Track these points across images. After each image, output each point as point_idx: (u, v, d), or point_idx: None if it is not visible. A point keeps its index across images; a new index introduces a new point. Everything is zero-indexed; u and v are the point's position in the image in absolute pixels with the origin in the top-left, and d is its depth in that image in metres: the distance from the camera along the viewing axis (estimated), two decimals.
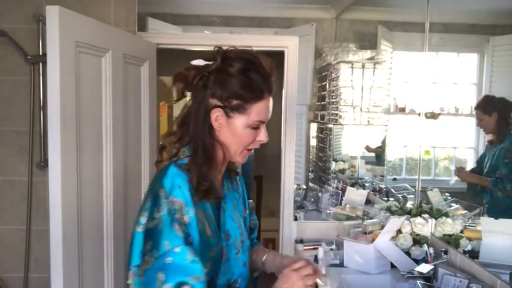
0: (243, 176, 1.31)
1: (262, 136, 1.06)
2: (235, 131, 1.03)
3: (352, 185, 2.72)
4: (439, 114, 2.19)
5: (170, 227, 0.94)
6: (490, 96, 1.86)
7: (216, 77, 1.01)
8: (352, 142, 3.00)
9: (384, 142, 2.79)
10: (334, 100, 2.88)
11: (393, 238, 1.95)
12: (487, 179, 1.83)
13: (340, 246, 2.10)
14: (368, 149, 2.94)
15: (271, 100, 1.05)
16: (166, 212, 0.95)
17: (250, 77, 1.00)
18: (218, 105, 1.01)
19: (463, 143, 2.18)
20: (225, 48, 1.05)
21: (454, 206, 2.04)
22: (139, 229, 0.95)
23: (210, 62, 1.02)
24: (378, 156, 2.88)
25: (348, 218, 2.40)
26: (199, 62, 1.04)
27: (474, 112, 1.95)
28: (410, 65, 2.55)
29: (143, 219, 0.95)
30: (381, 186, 2.69)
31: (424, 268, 1.70)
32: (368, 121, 2.80)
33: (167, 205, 0.96)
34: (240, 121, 1.02)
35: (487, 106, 1.83)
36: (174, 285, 0.90)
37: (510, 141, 1.75)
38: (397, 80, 2.67)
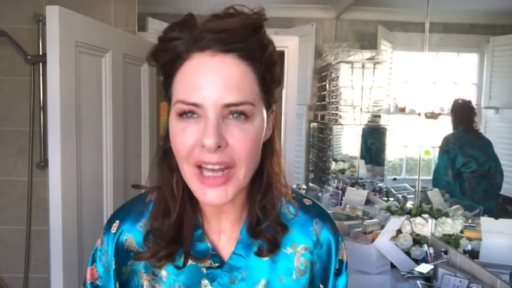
0: None
1: (204, 131, 0.57)
2: (170, 133, 0.63)
3: (352, 185, 2.72)
4: (439, 114, 2.19)
5: (88, 264, 0.76)
6: (460, 99, 2.12)
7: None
8: (352, 142, 3.00)
9: (384, 142, 2.79)
10: (334, 100, 2.88)
11: (393, 238, 1.95)
12: None
13: None
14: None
15: (211, 60, 0.57)
16: (93, 250, 0.76)
17: (165, 33, 0.61)
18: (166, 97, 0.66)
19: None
20: None
21: (454, 206, 2.04)
22: None
23: None
24: None
25: (348, 218, 2.40)
26: None
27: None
28: (410, 65, 2.55)
29: None
30: (380, 186, 2.69)
31: (424, 268, 1.70)
32: (368, 121, 2.80)
33: (98, 240, 0.75)
34: (171, 113, 0.62)
35: (452, 105, 2.10)
36: None
37: (454, 133, 2.08)
38: (397, 80, 2.67)
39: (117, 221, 0.72)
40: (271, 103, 0.65)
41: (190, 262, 0.67)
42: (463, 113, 2.06)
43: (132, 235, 0.70)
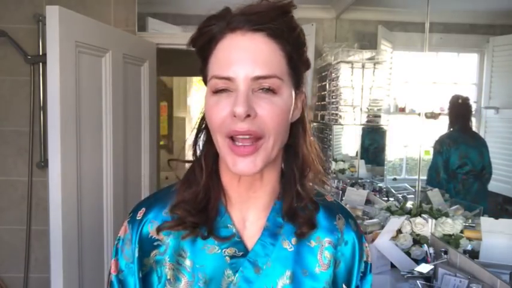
0: None
1: (235, 105, 0.60)
2: (205, 109, 0.66)
3: (352, 185, 2.72)
4: (439, 114, 2.19)
5: (112, 256, 0.74)
6: (457, 95, 2.14)
7: None
8: (352, 142, 3.00)
9: (384, 142, 2.79)
10: (334, 100, 2.88)
11: (393, 238, 1.94)
12: None
13: None
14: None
15: (242, 39, 0.62)
16: (116, 241, 0.74)
17: (203, 22, 0.65)
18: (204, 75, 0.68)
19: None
20: None
21: (454, 206, 2.04)
22: None
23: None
24: None
25: None
26: None
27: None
28: (410, 65, 2.55)
29: None
30: (380, 186, 2.69)
31: (424, 268, 1.70)
32: (368, 121, 2.80)
33: (121, 230, 0.73)
34: (206, 91, 0.66)
35: (449, 103, 2.12)
36: None
37: (449, 132, 2.09)
38: (397, 80, 2.67)
39: (144, 209, 0.72)
40: (300, 83, 0.68)
41: (214, 245, 0.68)
42: (461, 111, 2.07)
43: (158, 222, 0.69)
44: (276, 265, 0.68)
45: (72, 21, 1.56)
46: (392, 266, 1.91)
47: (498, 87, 1.92)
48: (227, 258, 0.67)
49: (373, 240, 1.92)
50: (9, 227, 2.40)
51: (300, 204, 0.69)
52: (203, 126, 0.71)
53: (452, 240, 1.82)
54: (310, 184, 0.71)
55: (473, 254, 1.67)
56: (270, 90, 0.61)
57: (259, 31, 0.61)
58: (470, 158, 1.99)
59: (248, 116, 0.59)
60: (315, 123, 3.22)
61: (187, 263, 0.68)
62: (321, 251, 0.71)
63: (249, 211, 0.70)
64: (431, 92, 2.20)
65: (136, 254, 0.69)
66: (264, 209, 0.70)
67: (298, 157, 0.70)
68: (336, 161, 2.94)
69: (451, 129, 2.12)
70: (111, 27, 2.11)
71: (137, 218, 0.71)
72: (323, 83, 3.06)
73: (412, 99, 2.44)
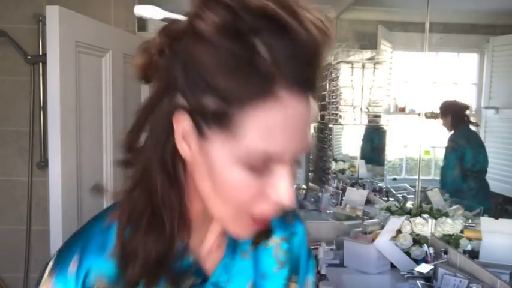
0: None
1: (281, 190, 0.47)
2: (213, 169, 0.48)
3: (352, 185, 2.72)
4: (439, 114, 2.19)
5: None
6: (448, 101, 2.18)
7: (185, 45, 0.47)
8: (352, 142, 3.00)
9: (384, 142, 2.79)
10: (334, 100, 2.88)
11: (393, 238, 1.94)
12: None
13: (340, 246, 2.10)
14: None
15: (298, 106, 0.45)
16: None
17: (243, 44, 0.43)
18: (183, 106, 0.48)
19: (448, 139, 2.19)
20: None
21: (454, 206, 2.04)
22: None
23: (180, 16, 0.50)
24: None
25: (348, 218, 2.40)
26: (166, 15, 0.52)
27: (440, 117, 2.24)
28: (410, 65, 2.55)
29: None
30: (380, 186, 2.69)
31: (424, 268, 1.70)
32: (368, 121, 2.80)
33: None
34: (222, 147, 0.46)
35: (445, 109, 2.14)
36: None
37: (459, 132, 2.12)
38: (397, 80, 2.67)
39: (76, 256, 0.55)
40: None
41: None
42: (460, 112, 2.09)
43: (102, 269, 0.54)
44: (237, 280, 0.62)
45: (72, 21, 1.56)
46: (392, 266, 1.91)
47: (498, 87, 1.92)
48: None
49: (373, 240, 1.92)
50: (9, 227, 2.40)
51: None
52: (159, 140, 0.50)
53: (452, 240, 1.82)
54: None
55: (473, 254, 1.67)
56: (299, 161, 0.51)
57: (309, 91, 0.47)
58: (479, 157, 1.99)
59: None
60: (315, 123, 3.22)
61: None
62: (277, 250, 0.67)
63: (208, 233, 0.61)
64: (431, 92, 2.20)
65: None
66: (222, 228, 0.61)
67: None
68: (336, 161, 2.94)
69: (455, 129, 2.14)
70: (111, 27, 2.11)
71: (69, 273, 0.54)
72: (323, 83, 3.06)
73: (412, 99, 2.44)
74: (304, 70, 0.45)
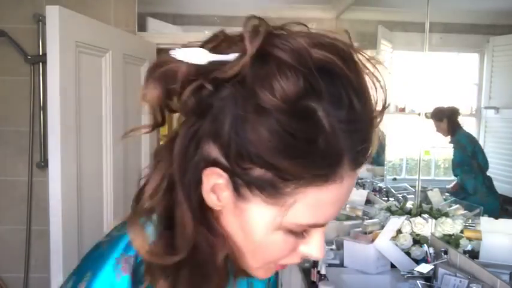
0: None
1: (315, 250, 0.48)
2: (249, 227, 0.46)
3: None
4: None
5: None
6: (439, 107, 2.18)
7: (233, 96, 0.42)
8: None
9: (384, 142, 2.79)
10: None
11: (393, 238, 1.94)
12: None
13: (340, 246, 2.10)
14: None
15: (351, 181, 0.44)
16: None
17: (310, 124, 0.40)
18: (220, 163, 0.44)
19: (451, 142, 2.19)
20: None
21: (454, 206, 2.04)
22: None
23: (230, 56, 0.42)
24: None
25: (348, 218, 2.40)
26: (213, 58, 0.43)
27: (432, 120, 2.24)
28: (410, 65, 2.55)
29: None
30: (380, 186, 2.69)
31: (424, 268, 1.70)
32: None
33: None
34: (262, 212, 0.44)
35: (438, 115, 2.16)
36: None
37: (459, 134, 2.11)
38: (397, 80, 2.67)
39: (88, 274, 0.50)
40: None
41: None
42: (454, 116, 2.12)
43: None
44: None
45: (72, 21, 1.56)
46: (392, 266, 1.91)
47: (498, 87, 1.92)
48: None
49: (373, 240, 1.92)
50: (9, 227, 2.40)
51: None
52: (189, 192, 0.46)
53: (452, 240, 1.82)
54: None
55: (473, 254, 1.67)
56: None
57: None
58: (483, 155, 2.00)
59: None
60: None
61: None
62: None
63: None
64: (431, 92, 2.20)
65: None
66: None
67: None
68: None
69: (453, 133, 2.14)
70: (111, 27, 2.11)
71: None
72: None
73: (412, 99, 2.44)
74: (364, 145, 0.42)
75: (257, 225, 0.45)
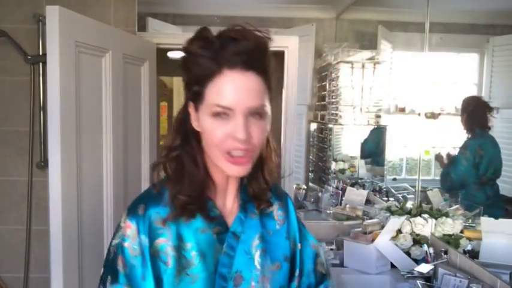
0: None
1: (235, 128, 0.78)
2: (203, 126, 0.82)
3: (352, 185, 2.72)
4: (439, 114, 2.19)
5: (115, 259, 0.84)
6: (469, 96, 2.06)
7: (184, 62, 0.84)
8: (352, 142, 3.00)
9: (384, 142, 2.79)
10: (334, 100, 2.88)
11: (393, 238, 1.95)
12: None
13: (340, 246, 2.10)
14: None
15: (239, 76, 0.78)
16: (118, 240, 0.85)
17: (194, 50, 0.80)
18: (189, 99, 0.86)
19: (463, 143, 2.18)
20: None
21: (454, 206, 2.04)
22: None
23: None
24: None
25: (348, 218, 2.40)
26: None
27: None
28: (410, 65, 2.56)
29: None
30: (380, 186, 2.69)
31: (424, 268, 1.71)
32: (368, 121, 2.80)
33: (120, 231, 0.86)
34: (203, 111, 0.81)
35: (462, 106, 2.05)
36: None
37: (474, 139, 1.99)
38: (397, 80, 2.67)
39: (142, 205, 0.85)
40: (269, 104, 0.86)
41: (204, 227, 0.86)
42: (477, 111, 1.93)
43: (159, 212, 0.84)
44: (249, 232, 0.91)
45: (72, 21, 1.56)
46: (393, 266, 1.91)
47: (498, 87, 1.92)
48: (214, 235, 0.87)
49: (373, 240, 1.92)
50: (9, 227, 2.39)
51: (262, 186, 0.93)
52: (183, 129, 0.88)
53: (452, 240, 1.82)
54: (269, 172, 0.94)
55: (473, 254, 1.67)
56: (259, 116, 0.80)
57: (251, 69, 0.78)
58: (494, 162, 1.87)
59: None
60: (315, 123, 3.22)
61: (188, 245, 0.84)
62: (276, 213, 0.98)
63: (227, 197, 0.92)
64: (431, 92, 2.20)
65: (147, 244, 0.82)
66: (236, 197, 0.93)
67: (262, 155, 0.90)
68: (336, 161, 2.94)
69: (471, 132, 1.99)
70: (111, 27, 2.11)
71: (139, 213, 0.84)
72: (323, 83, 3.06)
73: (412, 99, 2.44)
74: (228, 55, 0.77)
75: (202, 121, 0.81)
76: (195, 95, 0.81)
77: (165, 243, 0.83)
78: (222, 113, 0.78)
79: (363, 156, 2.78)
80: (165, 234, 0.83)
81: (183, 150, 0.87)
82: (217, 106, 0.78)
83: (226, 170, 0.82)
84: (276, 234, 0.95)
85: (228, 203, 0.92)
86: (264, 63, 0.81)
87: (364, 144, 2.75)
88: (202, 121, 0.81)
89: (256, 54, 0.79)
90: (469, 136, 2.00)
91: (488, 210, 1.84)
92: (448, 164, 2.13)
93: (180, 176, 0.86)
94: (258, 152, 0.84)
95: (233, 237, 0.88)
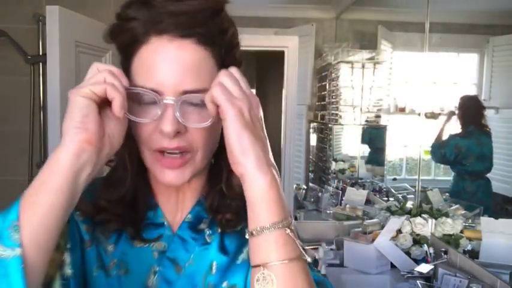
0: None
1: (162, 123, 0.56)
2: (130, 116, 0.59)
3: (352, 185, 2.72)
4: (439, 114, 2.19)
5: None
6: (466, 95, 2.09)
7: None
8: (352, 142, 3.01)
9: (384, 142, 2.80)
10: (334, 100, 2.88)
11: (393, 238, 1.95)
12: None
13: (340, 246, 2.10)
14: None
15: (168, 46, 0.56)
16: None
17: (125, 13, 0.60)
18: None
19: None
20: None
21: (454, 206, 2.05)
22: None
23: None
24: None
25: (348, 218, 2.40)
26: None
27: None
28: (410, 65, 2.56)
29: None
30: (380, 186, 2.69)
31: (424, 268, 1.71)
32: (368, 121, 2.80)
33: None
34: (130, 96, 0.57)
35: (459, 103, 2.08)
36: None
37: (463, 138, 2.05)
38: (397, 80, 2.67)
39: None
40: None
41: (140, 244, 0.64)
42: (471, 110, 2.00)
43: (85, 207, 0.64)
44: (199, 262, 0.64)
45: (72, 21, 1.56)
46: (392, 266, 1.91)
47: (498, 87, 1.93)
48: (155, 253, 0.64)
49: (373, 240, 1.92)
50: None
51: (226, 201, 0.66)
52: None
53: (452, 240, 1.82)
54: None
55: (473, 254, 1.67)
56: (199, 104, 0.56)
57: (188, 37, 0.56)
58: (487, 157, 1.93)
59: (178, 132, 0.56)
60: (315, 123, 3.22)
61: (109, 247, 0.64)
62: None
63: (177, 211, 0.67)
64: (431, 92, 2.20)
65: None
66: (191, 207, 0.68)
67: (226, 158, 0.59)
68: (336, 161, 2.95)
69: (464, 129, 2.05)
70: None
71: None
72: (323, 83, 3.07)
73: (412, 99, 2.44)
74: (154, 16, 0.56)
75: (130, 107, 0.56)
76: (123, 69, 0.60)
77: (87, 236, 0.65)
78: (148, 98, 0.56)
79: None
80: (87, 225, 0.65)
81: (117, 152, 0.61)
82: (143, 89, 0.56)
83: (158, 176, 0.60)
84: (237, 265, 0.66)
85: (178, 216, 0.68)
86: (212, 28, 0.57)
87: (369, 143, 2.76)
88: (130, 109, 0.57)
89: (201, 15, 0.56)
90: (457, 133, 2.07)
91: (473, 205, 1.93)
92: (443, 142, 2.17)
93: (109, 181, 0.65)
94: (204, 155, 0.61)
95: (172, 266, 0.64)
